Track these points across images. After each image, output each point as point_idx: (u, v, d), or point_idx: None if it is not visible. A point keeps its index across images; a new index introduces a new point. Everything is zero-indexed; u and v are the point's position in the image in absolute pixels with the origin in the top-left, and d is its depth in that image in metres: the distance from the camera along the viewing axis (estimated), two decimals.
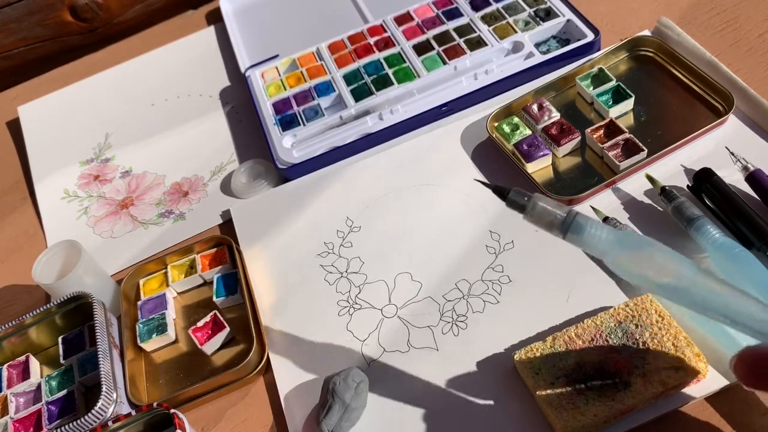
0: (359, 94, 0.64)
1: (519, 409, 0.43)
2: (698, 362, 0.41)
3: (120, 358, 0.52)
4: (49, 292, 0.54)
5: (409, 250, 0.54)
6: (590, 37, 0.62)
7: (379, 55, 0.67)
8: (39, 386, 0.51)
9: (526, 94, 0.59)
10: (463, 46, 0.65)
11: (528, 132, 0.57)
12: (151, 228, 0.63)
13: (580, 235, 0.35)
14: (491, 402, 0.44)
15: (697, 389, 0.41)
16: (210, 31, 0.81)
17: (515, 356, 0.44)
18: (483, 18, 0.67)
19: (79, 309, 0.54)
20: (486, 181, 0.37)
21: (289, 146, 0.62)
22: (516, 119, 0.58)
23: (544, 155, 0.54)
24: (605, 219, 0.49)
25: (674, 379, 0.40)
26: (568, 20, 0.64)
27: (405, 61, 0.66)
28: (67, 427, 0.45)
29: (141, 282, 0.57)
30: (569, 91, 0.60)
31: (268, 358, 0.50)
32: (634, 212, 0.51)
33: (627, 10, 0.66)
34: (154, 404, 0.43)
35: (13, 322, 0.52)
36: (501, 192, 0.36)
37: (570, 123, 0.56)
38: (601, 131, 0.55)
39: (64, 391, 0.50)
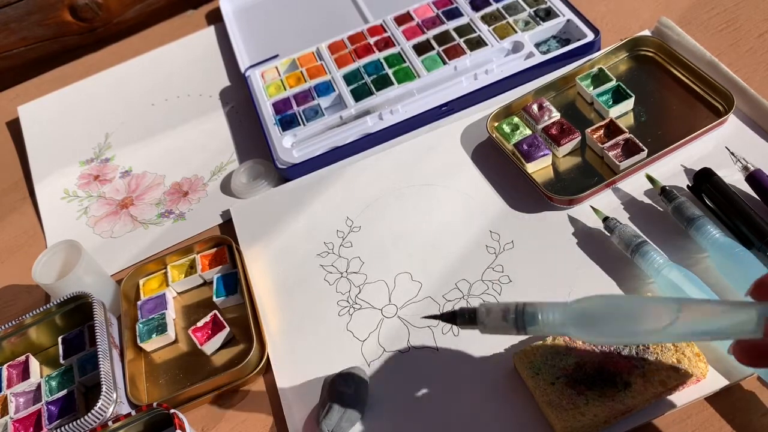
0: (359, 94, 0.64)
1: (519, 409, 0.43)
2: (698, 362, 0.41)
3: (120, 358, 0.52)
4: (49, 292, 0.54)
5: (409, 250, 0.54)
6: (590, 37, 0.62)
7: (379, 55, 0.67)
8: (39, 386, 0.51)
9: (526, 94, 0.59)
10: (463, 46, 0.65)
11: (528, 132, 0.57)
12: (151, 228, 0.63)
13: (536, 326, 0.35)
14: (491, 402, 0.44)
15: (697, 389, 0.41)
16: (210, 31, 0.81)
17: (515, 356, 0.44)
18: (483, 18, 0.67)
19: (79, 309, 0.54)
20: (434, 314, 0.38)
21: (289, 146, 0.62)
22: (516, 119, 0.58)
23: (544, 155, 0.54)
24: (605, 219, 0.49)
25: (674, 379, 0.40)
26: (568, 20, 0.64)
27: (405, 61, 0.66)
28: (67, 427, 0.45)
29: (141, 282, 0.57)
30: (569, 91, 0.60)
31: (268, 358, 0.50)
32: (634, 212, 0.51)
33: (627, 10, 0.66)
34: (154, 404, 0.43)
35: (13, 322, 0.52)
36: (449, 317, 0.37)
37: (570, 123, 0.56)
38: (601, 131, 0.55)
39: (64, 391, 0.50)
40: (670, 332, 0.33)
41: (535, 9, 0.66)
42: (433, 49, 0.66)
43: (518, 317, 0.35)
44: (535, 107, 0.58)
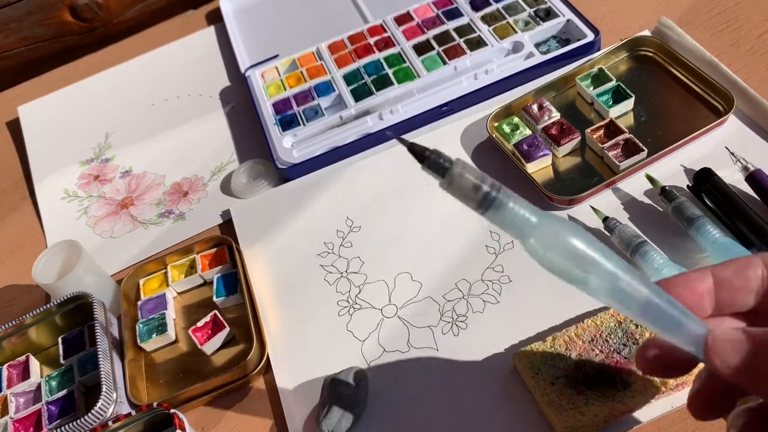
0: (359, 94, 0.64)
1: (519, 409, 0.43)
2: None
3: (120, 358, 0.52)
4: (49, 292, 0.54)
5: (409, 250, 0.54)
6: (590, 37, 0.62)
7: (379, 55, 0.67)
8: (39, 386, 0.51)
9: (526, 94, 0.59)
10: (463, 46, 0.65)
11: (528, 132, 0.57)
12: (151, 228, 0.63)
13: (501, 211, 0.31)
14: (491, 402, 0.44)
15: None
16: (210, 31, 0.81)
17: (515, 356, 0.44)
18: (483, 18, 0.67)
19: (79, 309, 0.54)
20: (405, 139, 0.33)
21: (289, 146, 0.62)
22: (516, 119, 0.58)
23: (544, 155, 0.54)
24: (605, 219, 0.49)
25: (674, 380, 0.40)
26: (568, 20, 0.64)
27: (405, 61, 0.66)
28: (67, 427, 0.45)
29: (141, 282, 0.57)
30: (569, 91, 0.60)
31: (268, 358, 0.50)
32: (635, 212, 0.51)
33: (627, 10, 0.66)
34: (154, 404, 0.43)
35: (13, 322, 0.52)
36: (419, 153, 0.31)
37: (570, 123, 0.56)
38: (601, 131, 0.55)
39: (64, 391, 0.50)
40: (592, 292, 0.31)
41: (535, 9, 0.66)
42: (433, 49, 0.66)
43: (492, 191, 0.31)
44: (535, 107, 0.58)
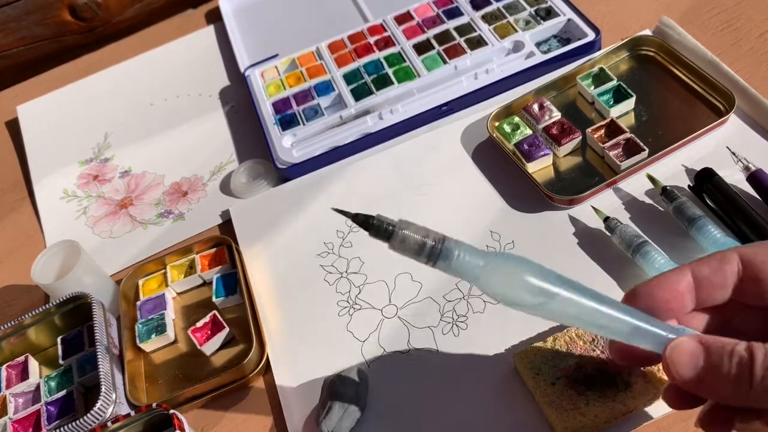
0: (359, 94, 0.64)
1: (519, 410, 0.43)
2: None
3: (119, 359, 0.52)
4: (48, 293, 0.54)
5: None
6: (591, 36, 0.62)
7: (379, 55, 0.67)
8: (38, 387, 0.51)
9: (527, 93, 0.59)
10: (464, 45, 0.65)
11: (529, 132, 0.57)
12: (150, 228, 0.63)
13: (448, 261, 0.33)
14: (491, 402, 0.44)
15: None
16: (209, 31, 0.81)
17: (515, 356, 0.44)
18: (483, 17, 0.67)
19: (78, 309, 0.53)
20: (344, 210, 0.35)
21: (288, 146, 0.62)
22: (516, 119, 0.58)
23: (544, 155, 0.54)
24: (606, 219, 0.49)
25: None
26: (569, 19, 0.64)
27: (405, 61, 0.66)
28: (66, 427, 0.45)
29: (140, 282, 0.57)
30: (570, 91, 0.60)
31: (267, 358, 0.50)
32: (635, 212, 0.51)
33: (628, 10, 0.66)
34: (154, 405, 0.43)
35: (12, 323, 0.52)
36: (363, 221, 0.34)
37: (571, 123, 0.56)
38: (602, 131, 0.55)
39: (63, 392, 0.50)
40: (543, 309, 0.33)
41: (535, 8, 0.66)
42: (434, 48, 0.66)
43: (436, 245, 0.33)
44: (535, 107, 0.57)
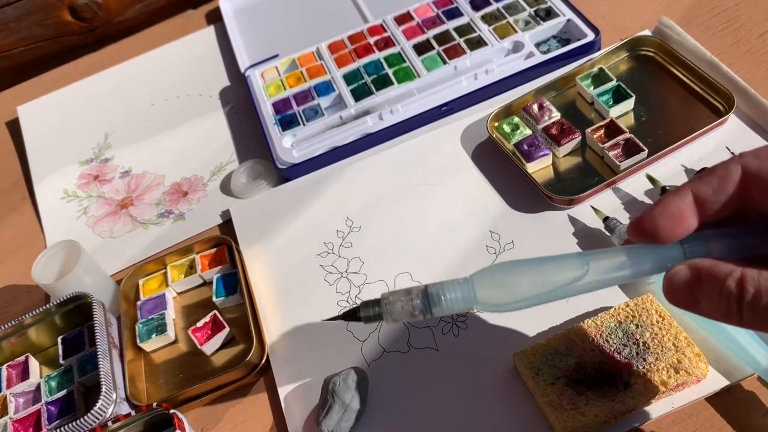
0: (359, 94, 0.64)
1: (519, 410, 0.43)
2: (698, 362, 0.41)
3: (119, 359, 0.52)
4: (49, 292, 0.54)
5: (409, 250, 0.54)
6: (590, 36, 0.62)
7: (379, 55, 0.67)
8: (38, 386, 0.51)
9: (527, 93, 0.59)
10: (464, 45, 0.65)
11: (528, 132, 0.57)
12: (150, 228, 0.63)
13: (440, 307, 0.35)
14: (491, 402, 0.44)
15: (697, 389, 0.41)
16: (210, 31, 0.81)
17: (515, 356, 0.44)
18: (483, 18, 0.67)
19: (78, 309, 0.53)
20: (335, 316, 0.38)
21: (288, 146, 0.62)
22: (516, 119, 0.58)
23: (544, 155, 0.54)
24: (606, 219, 0.49)
25: (675, 380, 0.40)
26: (569, 20, 0.64)
27: (405, 61, 0.66)
28: (66, 427, 0.45)
29: (140, 282, 0.57)
30: (569, 91, 0.60)
31: (268, 358, 0.50)
32: (635, 212, 0.51)
33: (627, 10, 0.66)
34: (154, 404, 0.43)
35: (13, 322, 0.52)
36: (351, 315, 0.36)
37: (570, 123, 0.56)
38: (602, 131, 0.55)
39: (64, 392, 0.50)
40: (584, 283, 0.34)
41: (535, 9, 0.66)
42: (433, 48, 0.66)
43: (423, 301, 0.34)
44: (535, 107, 0.58)
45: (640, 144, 0.52)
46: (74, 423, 0.45)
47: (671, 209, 0.33)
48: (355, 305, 0.36)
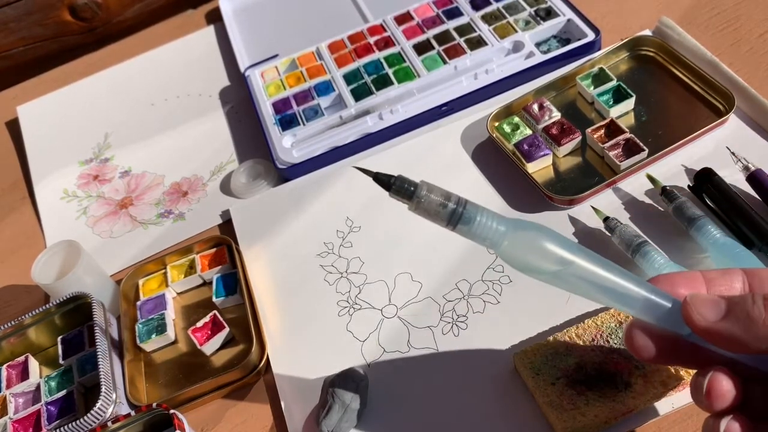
0: (359, 94, 0.64)
1: (519, 410, 0.43)
2: None
3: (119, 359, 0.52)
4: (49, 293, 0.54)
5: (409, 250, 0.54)
6: (591, 36, 0.62)
7: (379, 55, 0.67)
8: (38, 386, 0.51)
9: (527, 93, 0.59)
10: (464, 45, 0.65)
11: (528, 132, 0.57)
12: (150, 228, 0.63)
13: (469, 225, 0.33)
14: (491, 402, 0.44)
15: None
16: (209, 31, 0.81)
17: (515, 357, 0.44)
18: (483, 17, 0.67)
19: (78, 309, 0.53)
20: (369, 170, 0.35)
21: (288, 146, 0.62)
22: (516, 119, 0.58)
23: (544, 155, 0.54)
24: (606, 219, 0.49)
25: (675, 380, 0.40)
26: (569, 20, 0.64)
27: (405, 61, 0.66)
28: (66, 427, 0.45)
29: (140, 282, 0.57)
30: (570, 91, 0.60)
31: (268, 358, 0.50)
32: (635, 212, 0.51)
33: (627, 10, 0.66)
34: (154, 405, 0.43)
35: (13, 323, 0.52)
36: (384, 181, 0.33)
37: (570, 123, 0.56)
38: (602, 131, 0.55)
39: (64, 392, 0.50)
40: (560, 276, 0.33)
41: (535, 8, 0.66)
42: (433, 48, 0.66)
43: (457, 208, 0.32)
44: (535, 107, 0.57)
45: (641, 144, 0.52)
46: (74, 423, 0.45)
47: (687, 277, 0.34)
48: (392, 175, 0.33)
